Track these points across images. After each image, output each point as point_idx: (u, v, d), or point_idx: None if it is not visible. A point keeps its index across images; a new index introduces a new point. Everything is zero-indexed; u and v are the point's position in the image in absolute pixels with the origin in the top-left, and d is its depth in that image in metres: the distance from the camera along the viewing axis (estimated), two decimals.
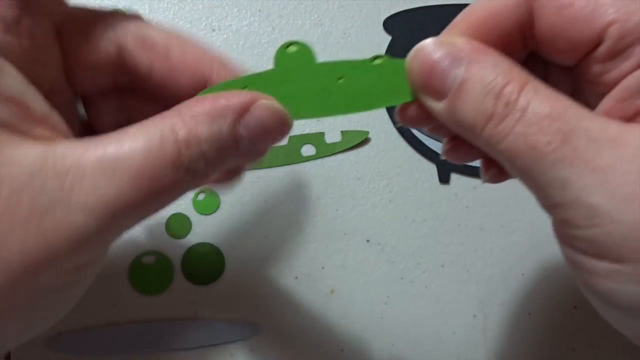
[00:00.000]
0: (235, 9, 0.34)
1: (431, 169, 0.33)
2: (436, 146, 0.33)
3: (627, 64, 0.17)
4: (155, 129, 0.17)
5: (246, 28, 0.34)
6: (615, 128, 0.16)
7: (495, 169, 0.22)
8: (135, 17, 0.21)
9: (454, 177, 0.33)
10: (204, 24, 0.33)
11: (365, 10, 0.34)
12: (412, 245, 0.32)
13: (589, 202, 0.16)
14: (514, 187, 0.29)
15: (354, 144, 0.32)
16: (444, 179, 0.33)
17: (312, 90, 0.20)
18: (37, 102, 0.17)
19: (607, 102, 0.18)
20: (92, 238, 0.16)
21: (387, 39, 0.34)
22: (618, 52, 0.17)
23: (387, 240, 0.32)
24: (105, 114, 0.22)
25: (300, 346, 0.30)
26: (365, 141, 0.33)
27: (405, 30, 0.34)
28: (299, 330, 0.30)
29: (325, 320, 0.30)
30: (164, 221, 0.31)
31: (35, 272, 0.16)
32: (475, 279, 0.31)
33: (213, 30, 0.33)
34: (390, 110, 0.33)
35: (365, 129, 0.33)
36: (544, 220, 0.32)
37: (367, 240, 0.32)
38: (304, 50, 0.20)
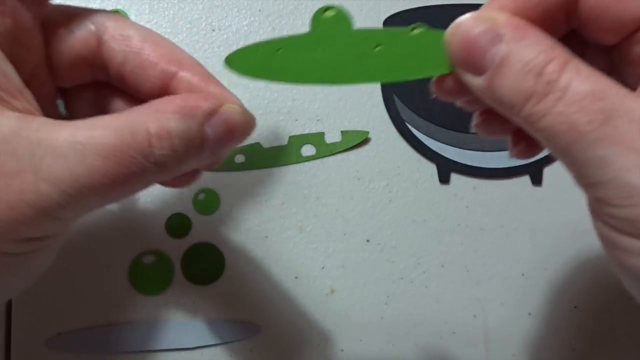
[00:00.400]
0: (235, 9, 0.34)
1: (431, 169, 0.33)
2: (436, 146, 0.33)
3: None
4: (127, 119, 0.18)
5: (246, 28, 0.34)
6: None
7: (524, 144, 0.22)
8: (117, 15, 0.22)
9: (454, 177, 0.33)
10: (204, 24, 0.33)
11: (365, 10, 0.34)
12: (412, 245, 0.32)
13: (627, 181, 0.16)
14: (514, 187, 0.29)
15: (354, 144, 0.32)
16: (444, 179, 0.33)
17: (348, 56, 0.19)
18: (15, 76, 0.18)
19: None
20: (55, 210, 0.17)
21: None
22: None
23: (387, 240, 0.32)
24: (84, 109, 0.23)
25: (300, 346, 0.30)
26: (365, 141, 0.33)
27: None
28: (299, 330, 0.30)
29: (325, 320, 0.30)
30: (164, 221, 0.31)
31: None
32: (475, 279, 0.31)
33: (213, 30, 0.33)
34: (390, 110, 0.33)
35: (365, 129, 0.33)
36: (544, 221, 0.32)
37: (367, 240, 0.32)
38: (341, 16, 0.19)
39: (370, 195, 0.32)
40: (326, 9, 0.19)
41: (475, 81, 0.18)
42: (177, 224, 0.31)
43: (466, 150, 0.33)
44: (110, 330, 0.29)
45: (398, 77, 0.20)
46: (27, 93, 0.19)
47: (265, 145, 0.32)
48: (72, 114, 0.23)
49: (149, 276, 0.30)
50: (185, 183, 0.24)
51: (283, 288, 0.31)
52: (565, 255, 0.32)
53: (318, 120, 0.33)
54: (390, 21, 0.34)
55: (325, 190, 0.32)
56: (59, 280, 0.30)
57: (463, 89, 0.20)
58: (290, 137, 0.32)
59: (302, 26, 0.34)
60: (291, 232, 0.31)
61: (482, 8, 0.19)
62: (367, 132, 0.33)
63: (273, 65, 0.19)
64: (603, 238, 0.18)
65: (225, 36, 0.33)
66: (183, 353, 0.29)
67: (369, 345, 0.30)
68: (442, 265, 0.32)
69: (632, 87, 0.18)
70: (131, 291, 0.30)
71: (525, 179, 0.32)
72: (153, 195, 0.31)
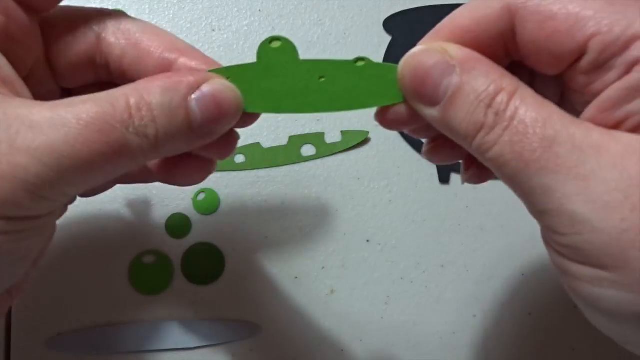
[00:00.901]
0: (235, 9, 0.34)
1: (431, 169, 0.33)
2: None
3: (610, 75, 0.17)
4: (109, 93, 0.17)
5: (246, 28, 0.34)
6: (597, 134, 0.16)
7: (475, 170, 0.23)
8: (118, 13, 0.22)
9: (454, 177, 0.33)
10: (204, 24, 0.33)
11: (365, 10, 0.34)
12: (412, 245, 0.32)
13: (570, 210, 0.16)
14: None
15: (354, 144, 0.32)
16: (444, 179, 0.33)
17: (293, 86, 0.20)
18: (4, 66, 0.18)
19: (589, 111, 0.18)
20: (38, 185, 0.16)
21: (387, 39, 0.34)
22: (601, 64, 0.17)
23: (387, 240, 0.32)
24: None
25: (300, 346, 0.30)
26: (365, 141, 0.33)
27: (405, 30, 0.34)
28: (299, 330, 0.30)
29: (325, 320, 0.30)
30: (164, 221, 0.31)
31: None
32: (475, 279, 0.31)
33: (213, 30, 0.33)
34: None
35: (365, 129, 0.33)
36: None
37: (367, 240, 0.32)
38: (287, 46, 0.20)
39: (370, 195, 0.32)
40: (272, 39, 0.19)
41: (428, 112, 0.19)
42: (177, 224, 0.31)
43: None
44: (110, 330, 0.29)
45: (343, 107, 0.20)
46: (18, 83, 0.18)
47: (265, 145, 0.32)
48: None
49: (149, 276, 0.30)
50: (199, 176, 0.23)
51: (283, 288, 0.31)
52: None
53: (318, 120, 0.33)
54: (390, 21, 0.34)
55: (325, 190, 0.32)
56: (59, 280, 0.30)
57: (406, 121, 0.20)
58: (290, 137, 0.32)
59: (301, 26, 0.34)
60: (291, 232, 0.31)
61: (424, 39, 0.20)
62: (367, 132, 0.33)
63: None
64: (556, 265, 0.18)
65: (225, 36, 0.33)
66: (183, 353, 0.29)
67: (369, 345, 0.30)
68: (442, 265, 0.32)
69: (580, 114, 0.18)
70: (131, 291, 0.30)
71: None
72: (153, 195, 0.31)
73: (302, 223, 0.32)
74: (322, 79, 0.20)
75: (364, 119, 0.33)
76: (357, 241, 0.32)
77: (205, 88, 0.18)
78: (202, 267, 0.30)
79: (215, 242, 0.31)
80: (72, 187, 0.18)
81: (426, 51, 0.19)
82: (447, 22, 0.20)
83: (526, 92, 0.18)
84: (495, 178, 0.22)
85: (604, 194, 0.16)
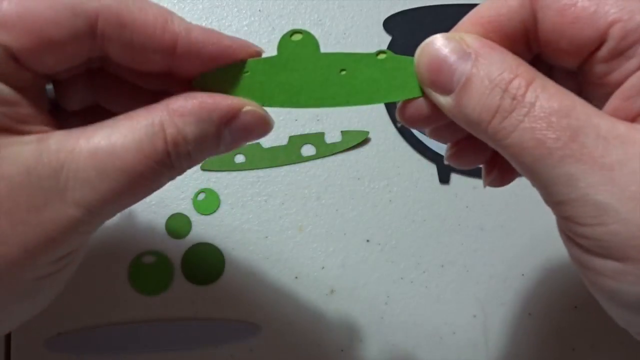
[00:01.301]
0: (235, 9, 0.34)
1: (431, 169, 0.33)
2: (436, 146, 0.33)
3: (630, 63, 0.17)
4: (145, 125, 0.17)
5: (246, 28, 0.34)
6: (623, 126, 0.16)
7: (497, 173, 0.22)
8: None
9: (454, 177, 0.33)
10: (204, 24, 0.33)
11: (365, 10, 0.34)
12: (412, 245, 0.32)
13: (596, 200, 0.15)
14: (514, 187, 0.29)
15: (354, 144, 0.32)
16: (444, 179, 0.33)
17: (314, 79, 0.20)
18: (22, 100, 0.18)
19: (612, 101, 0.18)
20: (83, 229, 0.18)
21: (387, 39, 0.34)
22: (621, 52, 0.17)
23: (387, 240, 0.32)
24: (74, 93, 0.22)
25: (300, 346, 0.30)
26: (365, 141, 0.33)
27: (405, 30, 0.34)
28: (299, 330, 0.30)
29: (325, 320, 0.30)
30: (164, 221, 0.31)
31: (33, 263, 0.17)
32: (475, 279, 0.31)
33: None
34: (390, 110, 0.33)
35: (365, 129, 0.33)
36: (544, 220, 0.32)
37: (367, 240, 0.32)
38: (308, 39, 0.20)
39: (370, 195, 0.32)
40: (293, 32, 0.19)
41: (444, 101, 0.19)
42: (177, 224, 0.31)
43: None
44: (110, 330, 0.29)
45: (362, 101, 0.20)
46: (39, 110, 0.18)
47: (265, 145, 0.32)
48: (62, 98, 0.22)
49: (149, 276, 0.30)
50: None
51: (283, 288, 0.31)
52: (565, 255, 0.32)
53: (318, 120, 0.33)
54: (390, 21, 0.34)
55: (325, 190, 0.32)
56: None
57: (427, 116, 0.20)
58: (290, 137, 0.32)
59: (301, 26, 0.34)
60: (291, 232, 0.31)
61: (450, 32, 0.20)
62: (367, 132, 0.33)
63: (240, 88, 0.19)
64: (575, 260, 0.18)
65: None
66: (183, 353, 0.29)
67: (369, 345, 0.30)
68: (442, 265, 0.32)
69: (599, 109, 0.18)
70: (131, 291, 0.30)
71: (525, 179, 0.32)
72: (153, 195, 0.31)
73: (302, 223, 0.32)
74: (343, 72, 0.20)
75: (364, 119, 0.33)
76: (357, 241, 0.32)
77: (241, 119, 0.19)
78: (202, 267, 0.30)
79: (215, 242, 0.31)
80: (108, 218, 0.19)
81: (442, 38, 0.19)
82: (470, 15, 0.19)
83: (546, 81, 0.17)
84: (519, 176, 0.21)
85: (632, 185, 0.15)
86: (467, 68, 0.18)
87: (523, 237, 0.32)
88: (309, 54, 0.20)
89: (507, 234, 0.32)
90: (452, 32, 0.19)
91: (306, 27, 0.34)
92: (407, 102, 0.20)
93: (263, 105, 0.19)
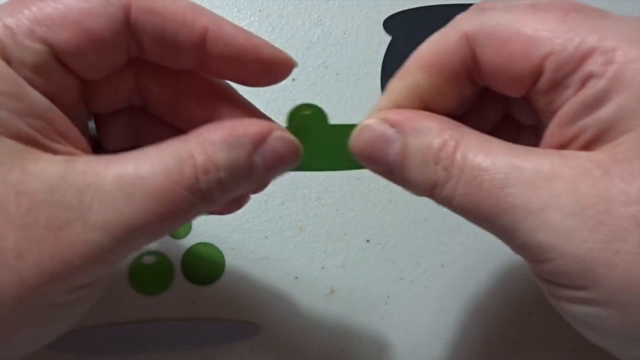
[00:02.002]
0: (235, 9, 0.34)
1: None
2: None
3: (567, 93, 0.18)
4: (174, 152, 0.17)
5: (246, 28, 0.33)
6: (548, 164, 0.17)
7: None
8: None
9: None
10: None
11: (365, 10, 0.34)
12: (412, 245, 0.32)
13: (536, 242, 0.17)
14: None
15: None
16: None
17: (322, 147, 0.21)
18: (59, 119, 0.18)
19: (549, 128, 0.19)
20: (105, 257, 0.17)
21: (387, 39, 0.34)
22: (558, 83, 0.18)
23: (387, 240, 0.32)
24: (115, 131, 0.23)
25: (300, 346, 0.30)
26: None
27: (405, 30, 0.34)
28: (299, 330, 0.30)
29: (325, 320, 0.30)
30: None
31: (47, 287, 0.16)
32: (475, 279, 0.31)
33: None
34: None
35: None
36: None
37: (367, 240, 0.32)
38: (318, 114, 0.21)
39: (370, 195, 0.32)
40: (302, 107, 0.21)
41: (390, 178, 0.20)
42: None
43: None
44: (110, 330, 0.29)
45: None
46: (74, 131, 0.18)
47: None
48: (103, 136, 0.23)
49: (149, 276, 0.30)
50: (234, 209, 0.24)
51: (283, 288, 0.31)
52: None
53: None
54: (390, 21, 0.34)
55: (325, 190, 0.32)
56: None
57: None
58: None
59: (301, 26, 0.34)
60: (291, 232, 0.31)
61: (384, 95, 0.21)
62: None
63: None
64: (544, 291, 0.19)
65: None
66: (183, 353, 0.29)
67: (369, 345, 0.30)
68: (442, 265, 0.32)
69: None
70: (131, 291, 0.30)
71: None
72: None
73: (302, 223, 0.32)
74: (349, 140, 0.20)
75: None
76: (357, 241, 0.32)
77: (271, 143, 0.18)
78: (202, 267, 0.30)
79: (215, 242, 0.31)
80: (135, 250, 0.18)
81: (368, 127, 0.19)
82: (413, 57, 0.20)
83: (471, 138, 0.18)
84: None
85: (563, 221, 0.16)
86: (397, 148, 0.19)
87: None
88: (318, 126, 0.21)
89: None
90: (377, 108, 0.20)
91: (306, 27, 0.34)
92: None
93: None
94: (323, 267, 0.31)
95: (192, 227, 0.31)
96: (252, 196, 0.32)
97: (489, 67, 0.19)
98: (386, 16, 0.34)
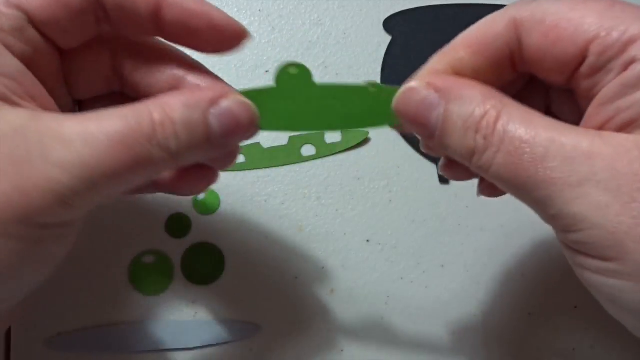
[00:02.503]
0: (235, 9, 0.34)
1: (431, 169, 0.33)
2: None
3: (609, 77, 0.18)
4: (133, 110, 0.19)
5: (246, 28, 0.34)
6: (588, 141, 0.18)
7: (488, 183, 0.24)
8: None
9: None
10: None
11: (365, 10, 0.34)
12: (412, 245, 0.32)
13: (571, 213, 0.17)
14: None
15: (354, 144, 0.32)
16: (444, 179, 0.33)
17: (308, 107, 0.21)
18: (30, 81, 0.19)
19: (589, 110, 0.19)
20: (66, 196, 0.18)
21: (387, 39, 0.34)
22: (601, 66, 0.19)
23: (387, 240, 0.32)
24: None
25: (300, 346, 0.30)
26: (365, 141, 0.33)
27: (405, 30, 0.34)
28: (299, 330, 0.30)
29: (325, 320, 0.30)
30: (164, 221, 0.31)
31: (12, 219, 0.17)
32: (475, 279, 0.31)
33: None
34: None
35: (365, 129, 0.33)
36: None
37: (367, 240, 0.32)
38: (304, 72, 0.21)
39: (370, 195, 0.32)
40: (289, 65, 0.21)
41: (429, 141, 0.21)
42: (177, 224, 0.31)
43: None
44: (110, 330, 0.29)
45: (353, 126, 0.22)
46: (48, 100, 0.20)
47: (265, 145, 0.32)
48: None
49: (149, 276, 0.30)
50: (224, 163, 0.24)
51: (283, 288, 0.31)
52: (565, 255, 0.32)
53: None
54: (390, 21, 0.34)
55: (325, 190, 0.32)
56: (59, 280, 0.30)
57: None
58: (290, 137, 0.32)
59: (301, 26, 0.34)
60: (291, 232, 0.31)
61: (434, 58, 0.21)
62: (367, 132, 0.33)
63: None
64: (570, 260, 0.20)
65: None
66: (183, 353, 0.29)
67: (369, 345, 0.30)
68: (442, 265, 0.32)
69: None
70: (131, 291, 0.30)
71: None
72: (153, 195, 0.31)
73: (302, 223, 0.32)
74: (335, 101, 0.21)
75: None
76: (357, 241, 0.32)
77: (224, 103, 0.19)
78: (202, 267, 0.30)
79: (215, 242, 0.31)
80: (98, 197, 0.19)
81: (413, 90, 0.20)
82: (462, 36, 0.21)
83: (513, 110, 0.19)
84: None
85: (599, 195, 0.17)
86: (439, 113, 0.19)
87: (523, 237, 0.32)
88: (304, 85, 0.21)
89: (507, 234, 0.32)
90: (427, 70, 0.21)
91: (306, 27, 0.34)
92: (451, 162, 0.23)
93: (262, 130, 0.21)
94: (323, 267, 0.31)
95: (192, 227, 0.31)
96: (252, 196, 0.32)
97: (535, 51, 0.20)
98: (386, 16, 0.34)
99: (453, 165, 0.24)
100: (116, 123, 0.18)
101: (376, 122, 0.22)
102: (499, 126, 0.18)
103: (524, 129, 0.18)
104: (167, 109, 0.19)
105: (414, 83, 0.20)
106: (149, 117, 0.18)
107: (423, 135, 0.21)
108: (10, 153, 0.17)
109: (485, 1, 0.34)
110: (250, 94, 0.20)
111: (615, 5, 0.19)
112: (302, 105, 0.21)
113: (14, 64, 0.19)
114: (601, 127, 0.19)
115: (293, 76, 0.21)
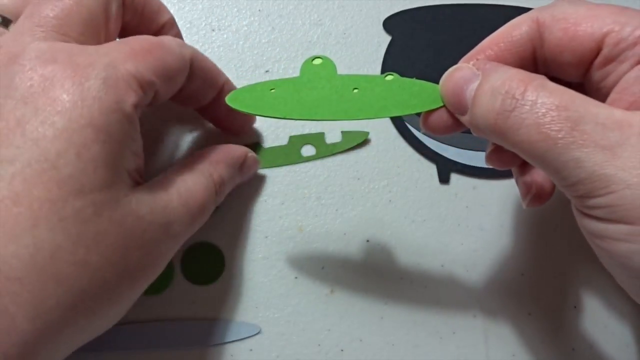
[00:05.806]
0: (235, 9, 0.34)
1: (431, 169, 0.33)
2: (436, 146, 0.33)
3: (623, 66, 0.20)
4: (203, 175, 0.26)
5: (246, 28, 0.34)
6: (619, 112, 0.19)
7: (534, 191, 0.25)
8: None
9: (454, 177, 0.33)
10: (204, 24, 0.33)
11: (365, 10, 0.34)
12: (412, 245, 0.32)
13: (602, 174, 0.18)
14: (514, 187, 0.29)
15: (354, 144, 0.32)
16: (444, 179, 0.33)
17: (330, 96, 0.23)
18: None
19: (611, 95, 0.21)
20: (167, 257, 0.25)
21: (387, 38, 0.34)
22: (614, 57, 0.20)
23: (387, 240, 0.32)
24: None
25: (300, 346, 0.30)
26: (365, 141, 0.33)
27: (405, 30, 0.34)
28: (299, 330, 0.30)
29: (325, 320, 0.30)
30: None
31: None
32: (475, 279, 0.31)
33: (213, 30, 0.33)
34: None
35: (366, 129, 0.33)
36: (544, 221, 0.32)
37: (367, 240, 0.32)
38: (327, 64, 0.23)
39: (370, 195, 0.32)
40: (314, 58, 0.23)
41: (463, 119, 0.22)
42: None
43: (466, 150, 0.33)
44: (110, 330, 0.29)
45: (372, 115, 0.23)
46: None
47: (265, 145, 0.32)
48: None
49: None
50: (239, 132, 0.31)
51: (283, 288, 0.31)
52: (565, 256, 0.32)
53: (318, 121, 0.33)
54: (390, 21, 0.34)
55: (325, 190, 0.32)
56: None
57: (445, 126, 0.23)
58: (290, 137, 0.32)
59: (301, 26, 0.34)
60: (291, 232, 0.31)
61: (467, 55, 0.24)
62: (367, 133, 0.33)
63: (267, 103, 0.23)
64: (590, 233, 0.20)
65: (225, 36, 0.33)
66: (183, 353, 0.29)
67: (369, 345, 0.30)
68: (442, 265, 0.32)
69: None
70: None
71: None
72: None
73: (302, 223, 0.32)
74: (356, 90, 0.23)
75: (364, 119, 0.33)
76: (357, 241, 0.32)
77: (247, 162, 0.29)
78: (202, 267, 0.30)
79: (215, 242, 0.31)
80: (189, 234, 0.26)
81: (457, 68, 0.22)
82: (490, 37, 0.23)
83: (545, 81, 0.20)
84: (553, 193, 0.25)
85: (631, 158, 0.18)
86: (474, 86, 0.21)
87: (523, 237, 0.32)
88: (328, 75, 0.23)
89: (507, 234, 0.32)
90: (474, 54, 0.23)
91: (306, 27, 0.34)
92: (429, 116, 0.24)
93: (285, 118, 0.23)
94: (323, 267, 0.31)
95: None
96: (252, 196, 0.32)
97: (555, 45, 0.22)
98: (386, 16, 0.34)
99: (499, 151, 0.24)
100: (199, 192, 0.25)
101: (393, 111, 0.23)
102: (531, 91, 0.19)
103: (559, 96, 0.19)
104: (220, 170, 0.27)
105: (461, 64, 0.23)
106: (212, 181, 0.26)
107: (457, 112, 0.22)
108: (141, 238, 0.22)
109: (485, 1, 0.34)
110: (277, 82, 0.23)
111: (626, 10, 0.21)
112: (325, 94, 0.23)
113: (140, 146, 0.23)
114: (627, 109, 0.20)
115: (317, 67, 0.23)
